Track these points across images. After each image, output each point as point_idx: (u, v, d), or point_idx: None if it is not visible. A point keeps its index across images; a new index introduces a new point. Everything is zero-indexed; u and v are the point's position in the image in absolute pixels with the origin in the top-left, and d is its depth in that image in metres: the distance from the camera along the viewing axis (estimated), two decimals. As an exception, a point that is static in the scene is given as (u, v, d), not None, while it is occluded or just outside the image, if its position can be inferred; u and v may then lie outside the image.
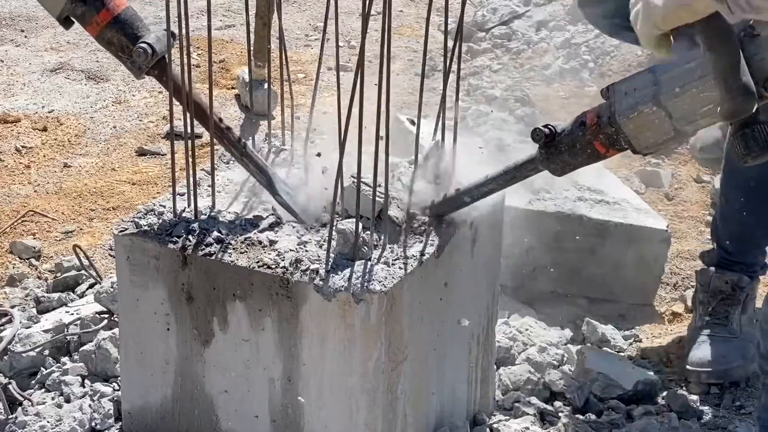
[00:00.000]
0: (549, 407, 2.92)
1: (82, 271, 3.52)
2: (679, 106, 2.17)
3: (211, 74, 2.51)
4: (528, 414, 2.85)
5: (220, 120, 2.55)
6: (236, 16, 6.46)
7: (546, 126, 2.33)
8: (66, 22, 2.50)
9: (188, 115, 2.49)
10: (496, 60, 5.65)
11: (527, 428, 2.73)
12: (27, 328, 3.16)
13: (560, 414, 2.90)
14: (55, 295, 3.39)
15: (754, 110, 2.07)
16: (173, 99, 2.49)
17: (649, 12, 2.12)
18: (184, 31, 2.43)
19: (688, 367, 3.21)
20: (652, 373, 3.20)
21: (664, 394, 3.12)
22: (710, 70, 2.09)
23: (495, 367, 2.91)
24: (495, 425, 2.74)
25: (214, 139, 2.55)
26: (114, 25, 2.45)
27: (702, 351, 3.24)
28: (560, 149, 2.31)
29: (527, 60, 5.61)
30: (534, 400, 2.93)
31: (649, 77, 2.20)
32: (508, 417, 2.83)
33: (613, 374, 3.11)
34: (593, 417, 2.93)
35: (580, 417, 2.90)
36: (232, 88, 5.40)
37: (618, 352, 3.33)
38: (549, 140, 2.32)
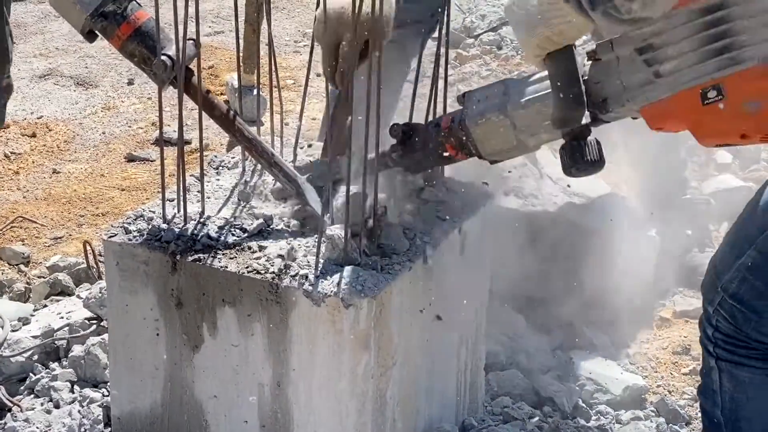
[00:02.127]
0: (538, 412, 2.93)
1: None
2: (522, 117, 2.27)
3: (200, 80, 2.52)
4: (517, 419, 2.85)
5: (248, 131, 2.56)
6: (225, 22, 6.47)
7: (405, 124, 2.41)
8: (89, 36, 2.50)
9: (180, 121, 2.49)
10: (485, 66, 5.66)
11: (516, 433, 2.74)
12: (15, 331, 3.16)
13: (549, 419, 2.91)
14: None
15: (583, 123, 2.15)
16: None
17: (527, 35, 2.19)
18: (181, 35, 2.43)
19: None
20: (640, 378, 3.21)
21: (653, 399, 3.13)
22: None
23: (484, 372, 2.91)
24: (484, 430, 2.74)
25: (245, 150, 2.56)
26: (135, 37, 2.46)
27: None
28: (414, 147, 2.41)
29: (516, 66, 5.62)
30: (523, 405, 2.94)
31: (501, 88, 2.29)
32: (497, 422, 2.83)
33: (601, 379, 3.12)
34: (582, 422, 2.94)
35: (569, 422, 2.91)
36: (221, 94, 5.41)
37: (606, 357, 3.34)
38: (406, 138, 2.40)
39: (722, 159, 4.67)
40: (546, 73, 2.25)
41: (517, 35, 2.25)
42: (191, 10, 2.47)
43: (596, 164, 2.19)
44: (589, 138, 2.19)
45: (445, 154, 2.40)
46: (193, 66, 2.49)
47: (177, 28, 2.41)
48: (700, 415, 3.08)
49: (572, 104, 2.13)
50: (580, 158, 2.18)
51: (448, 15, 2.54)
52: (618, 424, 2.97)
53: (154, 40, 2.45)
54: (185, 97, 2.47)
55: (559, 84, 2.15)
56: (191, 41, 2.49)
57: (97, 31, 2.48)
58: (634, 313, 3.65)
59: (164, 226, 2.51)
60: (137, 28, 2.45)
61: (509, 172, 3.68)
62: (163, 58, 2.43)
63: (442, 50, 2.57)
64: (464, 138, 2.35)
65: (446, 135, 2.37)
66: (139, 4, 2.48)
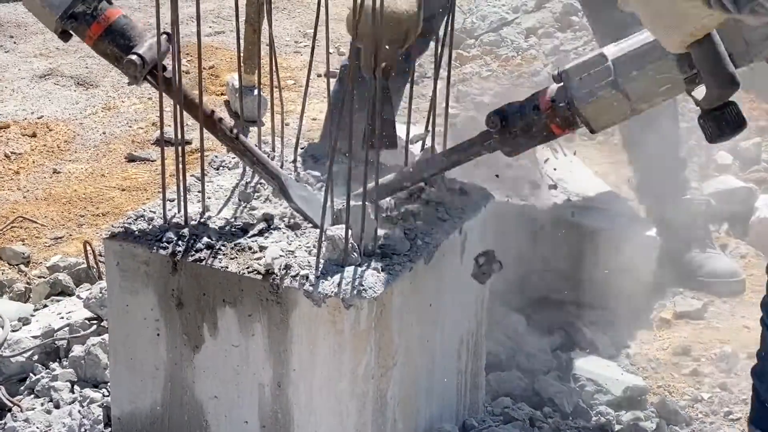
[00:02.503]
0: (538, 413, 2.93)
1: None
2: (636, 89, 2.29)
3: (201, 81, 2.52)
4: (517, 420, 2.85)
5: (231, 129, 2.56)
6: (226, 22, 6.47)
7: (497, 112, 2.41)
8: (63, 35, 2.51)
9: (179, 121, 2.49)
10: (486, 67, 5.67)
11: (516, 434, 2.74)
12: (15, 331, 3.16)
13: (549, 420, 2.91)
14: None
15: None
16: (173, 107, 2.48)
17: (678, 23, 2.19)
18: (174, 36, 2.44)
19: None
20: (640, 378, 3.21)
21: (653, 400, 3.13)
22: (665, 53, 2.19)
23: (485, 372, 2.91)
24: (484, 431, 2.74)
25: (228, 148, 2.57)
26: (106, 36, 2.46)
27: None
28: (514, 133, 2.42)
29: (516, 67, 5.63)
30: (523, 405, 2.93)
31: (603, 62, 2.30)
32: (497, 422, 2.83)
33: (601, 380, 3.12)
34: (582, 423, 2.94)
35: (570, 423, 2.90)
36: (222, 94, 5.40)
37: (606, 358, 3.34)
38: (503, 125, 2.40)
39: (722, 160, 4.67)
40: (643, 36, 2.27)
41: (654, 34, 2.24)
42: (189, 10, 2.47)
43: (741, 126, 2.21)
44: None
45: (551, 133, 2.42)
46: (168, 63, 2.49)
47: (173, 30, 2.42)
48: (700, 416, 3.09)
49: (727, 84, 2.13)
50: (726, 126, 2.19)
51: (453, 16, 2.54)
52: (618, 424, 2.97)
53: (126, 38, 2.46)
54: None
55: (710, 67, 2.14)
56: (164, 35, 2.49)
57: (70, 31, 2.49)
58: (634, 313, 3.65)
59: (165, 226, 2.51)
60: (107, 27, 2.46)
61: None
62: (133, 57, 2.44)
63: (441, 49, 2.58)
64: (572, 116, 2.36)
65: (550, 116, 2.38)
66: (109, 2, 2.48)
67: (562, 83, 2.36)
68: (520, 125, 2.41)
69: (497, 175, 2.79)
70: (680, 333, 3.57)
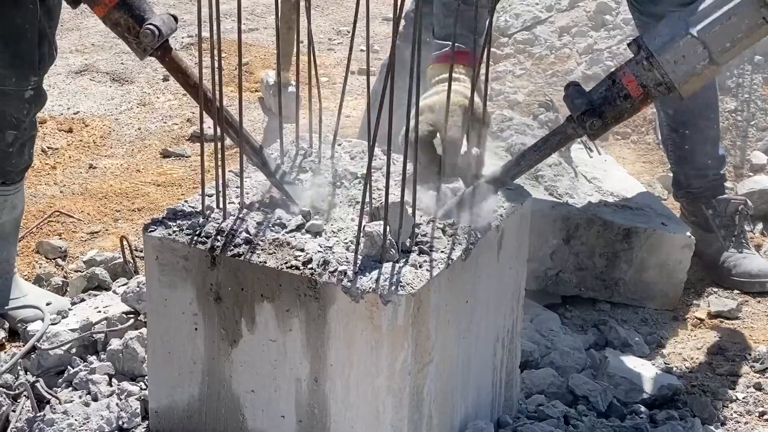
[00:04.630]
0: (572, 411, 2.93)
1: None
2: (728, 57, 2.47)
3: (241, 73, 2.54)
4: (551, 417, 2.86)
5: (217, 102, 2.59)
6: (259, 19, 6.50)
7: (590, 113, 2.50)
8: (73, 2, 2.53)
9: (217, 116, 2.51)
10: (519, 65, 5.66)
11: (551, 431, 2.74)
12: (54, 324, 3.19)
13: (583, 418, 2.91)
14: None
15: None
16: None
17: None
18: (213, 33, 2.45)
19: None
20: (675, 377, 3.21)
21: (687, 399, 3.12)
22: (756, 19, 2.40)
23: (519, 370, 2.92)
24: (519, 428, 2.75)
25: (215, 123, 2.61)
26: (121, 6, 2.49)
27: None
28: (608, 123, 2.52)
29: (550, 65, 5.62)
30: (557, 403, 2.94)
31: (692, 41, 2.44)
32: (531, 420, 2.83)
33: (636, 379, 3.12)
34: (617, 421, 2.94)
35: (604, 421, 2.91)
36: (256, 91, 5.42)
37: (641, 356, 3.34)
38: (591, 117, 2.51)
39: (757, 159, 4.67)
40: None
41: None
42: (224, 7, 2.49)
43: None
44: None
45: (638, 111, 2.57)
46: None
47: (211, 25, 2.43)
48: (735, 416, 3.09)
49: None
50: None
51: (492, 14, 2.57)
52: (653, 423, 2.96)
53: (140, 9, 2.49)
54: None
55: None
56: (171, 16, 2.52)
57: None
58: (668, 312, 3.65)
59: (204, 221, 2.53)
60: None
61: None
62: (150, 26, 2.46)
63: (483, 48, 2.58)
64: (665, 94, 2.50)
65: (642, 100, 2.50)
66: None
67: (645, 66, 2.47)
68: (612, 115, 2.52)
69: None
70: (715, 333, 3.56)
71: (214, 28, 2.40)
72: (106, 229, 4.15)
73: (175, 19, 2.54)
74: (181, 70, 2.58)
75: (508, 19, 6.07)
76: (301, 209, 2.54)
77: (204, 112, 2.54)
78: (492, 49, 5.72)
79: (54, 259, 3.90)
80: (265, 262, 2.41)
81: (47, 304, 3.33)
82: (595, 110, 2.49)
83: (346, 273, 2.34)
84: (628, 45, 2.54)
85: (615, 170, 4.14)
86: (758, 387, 3.24)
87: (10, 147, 3.18)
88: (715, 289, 3.81)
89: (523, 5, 6.15)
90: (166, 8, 6.58)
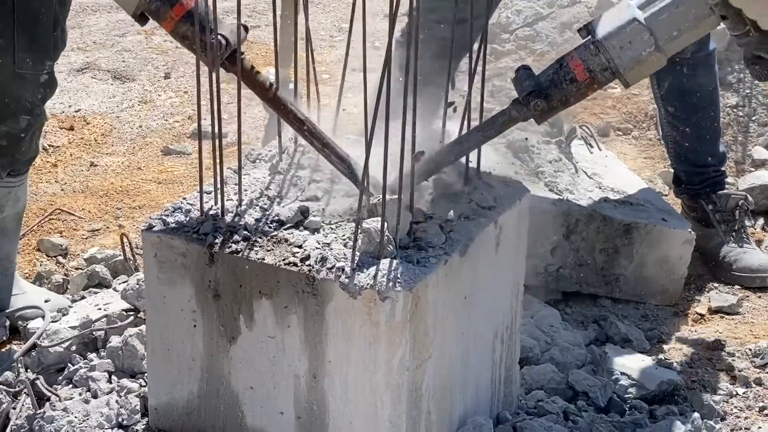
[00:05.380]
0: (572, 407, 2.93)
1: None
2: (675, 46, 2.47)
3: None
4: (551, 413, 2.86)
5: (300, 113, 2.59)
6: (261, 17, 6.49)
7: (535, 95, 2.49)
8: (141, 19, 2.53)
9: (215, 112, 2.51)
10: (521, 61, 5.66)
11: (550, 427, 2.74)
12: (54, 322, 3.19)
13: (583, 413, 2.91)
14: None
15: None
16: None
17: None
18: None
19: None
20: (675, 373, 3.21)
21: (687, 394, 3.12)
22: (703, 9, 2.42)
23: (518, 366, 2.92)
24: (518, 424, 2.75)
25: (297, 132, 2.61)
26: (188, 18, 2.47)
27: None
28: (553, 105, 2.51)
29: (551, 61, 5.61)
30: (557, 399, 2.94)
31: (639, 27, 2.45)
32: (531, 416, 2.83)
33: (636, 374, 3.12)
34: (616, 417, 2.94)
35: (603, 416, 2.91)
36: (258, 88, 5.42)
37: (641, 352, 3.34)
38: (538, 99, 2.50)
39: (758, 155, 4.66)
40: None
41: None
42: (225, 4, 2.49)
43: None
44: None
45: (585, 96, 2.55)
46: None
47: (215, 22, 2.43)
48: (735, 411, 3.09)
49: None
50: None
51: (488, 11, 2.56)
52: (652, 418, 2.96)
53: (207, 21, 2.47)
54: (220, 89, 2.49)
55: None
56: (242, 26, 2.52)
57: (148, 14, 2.50)
58: (669, 308, 3.65)
59: (202, 218, 2.53)
60: (190, 10, 2.47)
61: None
62: (219, 37, 2.45)
63: (480, 44, 2.58)
64: (610, 79, 2.50)
65: (588, 84, 2.49)
66: None
67: (592, 50, 2.47)
68: (559, 98, 2.51)
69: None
70: (715, 328, 3.56)
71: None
72: (107, 227, 4.15)
73: (246, 29, 2.53)
74: (257, 83, 2.56)
75: (509, 15, 6.07)
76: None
77: (282, 121, 2.59)
78: (493, 45, 5.73)
79: (55, 256, 3.91)
80: (264, 259, 2.41)
81: (46, 302, 3.34)
82: (541, 92, 2.49)
83: (343, 269, 2.34)
84: (578, 30, 2.55)
85: (616, 166, 4.13)
86: (758, 382, 3.24)
87: (23, 132, 3.19)
88: (716, 285, 3.81)
89: (525, 1, 6.15)
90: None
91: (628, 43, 2.45)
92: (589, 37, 2.50)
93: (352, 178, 2.58)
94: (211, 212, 2.56)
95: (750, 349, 3.41)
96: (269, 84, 2.60)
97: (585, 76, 2.48)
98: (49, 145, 4.78)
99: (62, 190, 4.44)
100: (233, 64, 2.52)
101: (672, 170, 4.13)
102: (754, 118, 4.88)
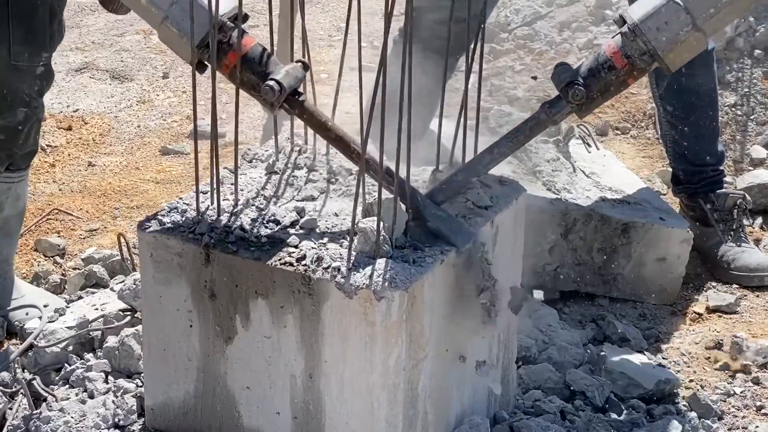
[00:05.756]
0: (569, 406, 2.93)
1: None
2: (714, 24, 2.43)
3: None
4: (548, 413, 2.86)
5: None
6: (260, 16, 6.48)
7: (573, 84, 2.46)
8: (200, 66, 2.53)
9: (213, 114, 2.51)
10: (519, 61, 5.66)
11: (548, 427, 2.74)
12: (51, 322, 3.19)
13: (580, 413, 2.91)
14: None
15: None
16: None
17: None
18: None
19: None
20: (672, 372, 3.20)
21: (685, 394, 3.12)
22: None
23: (516, 365, 2.92)
24: (515, 423, 2.75)
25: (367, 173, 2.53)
26: (243, 64, 2.47)
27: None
28: (593, 96, 2.47)
29: (550, 61, 5.61)
30: (554, 399, 2.94)
31: (674, 6, 2.41)
32: (528, 416, 2.83)
33: (633, 373, 3.12)
34: (614, 416, 2.94)
35: (601, 416, 2.90)
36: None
37: (639, 351, 3.34)
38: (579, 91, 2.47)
39: (757, 154, 4.66)
40: None
41: None
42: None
43: None
44: None
45: (626, 86, 2.52)
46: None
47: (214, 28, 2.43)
48: (732, 410, 3.09)
49: None
50: None
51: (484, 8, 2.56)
52: (650, 418, 2.96)
53: (263, 65, 2.47)
54: (219, 89, 2.49)
55: None
56: (300, 63, 2.51)
57: (206, 62, 2.51)
58: (667, 307, 3.64)
59: (198, 218, 2.53)
60: (244, 55, 2.47)
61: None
62: (270, 83, 2.44)
63: (475, 43, 2.58)
64: (650, 65, 2.46)
65: (628, 72, 2.46)
66: (245, 31, 2.50)
67: (628, 35, 2.44)
68: (598, 87, 2.48)
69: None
70: (713, 327, 3.56)
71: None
72: (105, 227, 4.15)
73: (306, 67, 2.52)
74: (319, 124, 2.54)
75: (508, 14, 6.06)
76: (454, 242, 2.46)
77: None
78: (492, 45, 5.73)
79: (52, 256, 3.91)
80: (259, 259, 2.41)
81: (45, 306, 3.33)
82: (579, 83, 2.47)
83: (339, 269, 2.34)
84: (615, 21, 2.53)
85: (614, 165, 4.13)
86: (756, 381, 3.23)
87: (20, 125, 3.20)
88: (714, 284, 3.81)
89: (524, 0, 6.14)
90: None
91: (665, 23, 2.41)
92: (626, 23, 2.48)
93: (418, 215, 2.49)
94: (207, 212, 2.56)
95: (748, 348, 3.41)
96: (328, 122, 2.57)
97: (623, 63, 2.45)
98: (47, 145, 4.78)
99: (60, 190, 4.44)
100: (292, 106, 2.51)
101: (670, 169, 4.12)
102: (752, 117, 4.88)
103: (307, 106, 2.53)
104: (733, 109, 4.88)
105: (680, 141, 3.92)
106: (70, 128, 4.97)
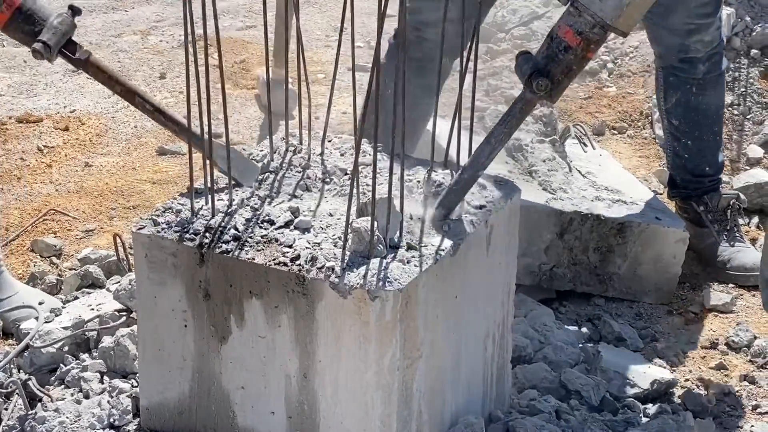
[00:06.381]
0: (564, 405, 2.93)
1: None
2: None
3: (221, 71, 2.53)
4: (543, 412, 2.86)
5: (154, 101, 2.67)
6: (257, 16, 6.49)
7: (537, 74, 2.44)
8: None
9: (205, 112, 2.51)
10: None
11: (542, 426, 2.74)
12: (47, 322, 3.19)
13: (575, 412, 2.91)
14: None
15: None
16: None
17: None
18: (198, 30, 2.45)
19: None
20: (668, 372, 3.21)
21: (680, 393, 3.12)
22: None
23: (511, 365, 2.92)
24: (510, 423, 2.75)
25: (151, 117, 2.70)
26: (12, 22, 2.51)
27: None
28: (558, 80, 2.44)
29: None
30: (549, 398, 2.94)
31: None
32: (523, 415, 2.83)
33: (629, 373, 3.12)
34: (609, 415, 2.94)
35: (596, 415, 2.91)
36: (252, 88, 5.42)
37: (634, 351, 3.34)
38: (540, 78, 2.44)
39: (753, 153, 4.66)
40: None
41: None
42: (221, 4, 2.48)
43: None
44: None
45: (587, 61, 2.48)
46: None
47: (205, 23, 2.43)
48: (728, 409, 3.09)
49: None
50: None
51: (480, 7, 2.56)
52: (645, 417, 2.96)
53: (31, 23, 2.49)
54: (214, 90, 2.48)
55: None
56: (69, 11, 2.53)
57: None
58: (663, 307, 3.65)
59: (192, 218, 2.53)
60: (12, 13, 2.50)
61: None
62: (36, 46, 2.47)
63: (471, 42, 2.58)
64: (604, 36, 2.42)
65: (584, 48, 2.43)
66: None
67: (573, 12, 2.41)
68: (560, 71, 2.45)
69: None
70: (709, 327, 3.56)
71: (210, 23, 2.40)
72: (102, 227, 4.15)
73: (75, 11, 2.53)
74: (106, 78, 2.63)
75: (505, 14, 6.06)
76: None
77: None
78: (489, 45, 5.73)
79: (49, 257, 3.91)
80: (254, 259, 2.41)
81: (40, 303, 3.34)
82: (540, 71, 2.46)
83: (333, 269, 2.34)
84: (560, 0, 2.51)
85: (610, 165, 4.14)
86: (752, 380, 3.24)
87: None
88: (710, 283, 3.81)
89: (520, 0, 6.14)
90: (163, 6, 6.60)
91: None
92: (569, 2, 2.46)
93: (219, 163, 2.57)
94: (201, 212, 2.56)
95: (744, 348, 3.41)
96: (123, 80, 2.66)
97: (577, 41, 2.42)
98: (44, 146, 4.78)
99: (57, 190, 4.44)
100: (74, 64, 2.58)
101: (667, 171, 4.12)
102: (749, 117, 4.88)
103: (92, 61, 2.58)
104: (730, 108, 4.88)
105: (682, 153, 3.90)
106: (66, 129, 4.97)
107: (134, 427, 2.71)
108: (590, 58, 2.46)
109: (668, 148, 3.99)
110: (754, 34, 5.05)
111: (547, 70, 2.44)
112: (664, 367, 3.26)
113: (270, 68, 2.84)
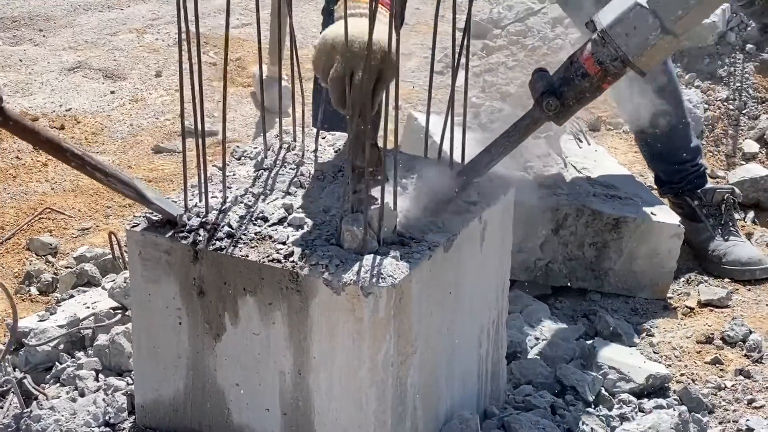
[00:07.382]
0: (560, 401, 2.93)
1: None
2: (683, 24, 2.40)
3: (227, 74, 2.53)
4: (538, 407, 2.86)
5: (78, 149, 2.47)
6: (253, 14, 6.48)
7: (548, 93, 2.47)
8: None
9: (199, 112, 2.51)
10: (512, 57, 5.66)
11: (537, 422, 2.74)
12: (42, 321, 3.20)
13: (570, 408, 2.91)
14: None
15: None
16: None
17: None
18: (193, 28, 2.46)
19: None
20: (663, 367, 3.21)
21: (676, 388, 3.13)
22: None
23: (506, 361, 2.92)
24: (505, 418, 2.75)
25: (77, 167, 2.48)
26: None
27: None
28: (569, 104, 2.48)
29: (543, 57, 5.61)
30: (545, 393, 2.94)
31: (641, 11, 2.40)
32: (518, 411, 2.84)
33: (624, 368, 3.12)
34: (605, 411, 2.94)
35: (591, 411, 2.91)
36: (248, 86, 5.43)
37: (630, 346, 3.34)
38: (551, 99, 2.47)
39: (749, 148, 4.67)
40: None
41: None
42: (218, 2, 2.48)
43: None
44: None
45: (601, 91, 2.51)
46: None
47: (198, 21, 2.43)
48: (723, 404, 3.09)
49: None
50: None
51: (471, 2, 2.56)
52: (641, 412, 2.97)
53: None
54: (213, 88, 2.48)
55: None
56: None
57: None
58: (658, 302, 3.65)
59: (186, 215, 2.53)
60: None
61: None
62: None
63: (462, 38, 2.58)
64: (623, 70, 2.45)
65: (601, 78, 2.46)
66: None
67: (598, 41, 2.43)
68: (572, 95, 2.48)
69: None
70: (704, 321, 3.56)
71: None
72: (97, 226, 4.15)
73: None
74: (26, 129, 2.38)
75: (501, 10, 6.06)
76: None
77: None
78: (485, 41, 5.73)
79: (44, 255, 3.91)
80: (247, 256, 2.41)
81: None
82: (553, 91, 2.47)
83: (327, 266, 2.35)
84: (586, 24, 2.52)
85: (605, 160, 4.13)
86: (747, 375, 3.24)
87: None
88: (705, 278, 3.81)
89: (516, -3, 6.14)
90: (159, 4, 6.59)
91: (633, 28, 2.41)
92: (596, 29, 2.48)
93: (143, 201, 2.51)
94: (195, 209, 2.56)
95: (739, 342, 3.41)
96: (46, 132, 2.45)
97: (596, 69, 2.45)
98: (40, 145, 4.78)
99: (52, 189, 4.44)
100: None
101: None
102: (744, 112, 4.88)
103: (13, 116, 2.32)
104: (725, 103, 4.89)
105: (653, 144, 3.91)
106: (62, 127, 4.97)
107: (129, 425, 2.72)
108: (605, 89, 2.48)
109: (640, 142, 3.99)
110: (750, 29, 5.05)
111: (560, 92, 2.47)
112: (660, 362, 3.26)
113: (265, 66, 2.84)
